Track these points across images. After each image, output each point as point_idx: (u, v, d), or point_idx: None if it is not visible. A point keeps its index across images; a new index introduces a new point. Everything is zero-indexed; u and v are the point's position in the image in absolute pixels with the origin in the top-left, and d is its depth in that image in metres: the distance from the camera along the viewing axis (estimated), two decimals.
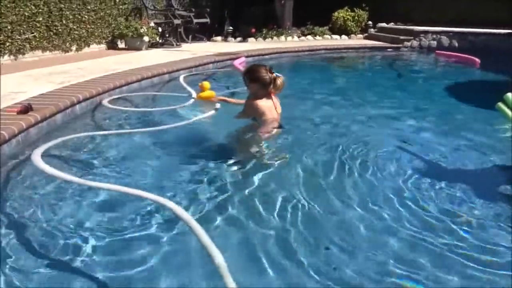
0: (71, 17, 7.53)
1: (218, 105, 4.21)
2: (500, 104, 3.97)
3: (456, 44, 10.50)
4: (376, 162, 3.07)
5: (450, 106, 5.12)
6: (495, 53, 9.34)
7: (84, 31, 7.95)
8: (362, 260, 1.91)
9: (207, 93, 4.48)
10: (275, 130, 3.37)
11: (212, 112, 4.04)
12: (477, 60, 7.97)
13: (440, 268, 1.85)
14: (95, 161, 3.05)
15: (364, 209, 2.38)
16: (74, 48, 7.78)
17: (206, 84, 4.55)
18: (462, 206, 2.43)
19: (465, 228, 2.18)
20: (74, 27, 7.66)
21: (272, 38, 11.83)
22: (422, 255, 1.94)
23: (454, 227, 2.19)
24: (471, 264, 1.87)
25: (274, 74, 3.24)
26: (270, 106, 3.29)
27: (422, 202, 2.46)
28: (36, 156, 2.68)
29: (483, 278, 1.79)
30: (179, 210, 1.98)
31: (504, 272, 1.83)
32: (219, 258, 1.61)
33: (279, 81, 3.24)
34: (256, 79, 3.22)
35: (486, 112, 4.07)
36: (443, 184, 2.70)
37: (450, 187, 2.67)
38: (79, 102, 4.22)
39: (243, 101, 3.53)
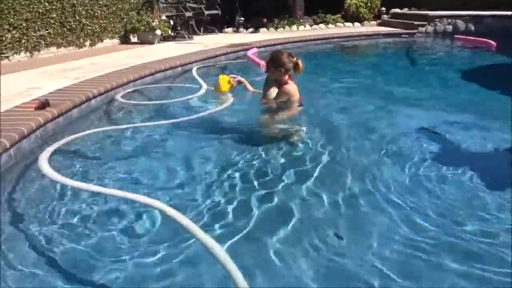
0: (83, 12, 7.61)
1: (230, 95, 4.25)
2: None
3: (473, 28, 10.27)
4: (391, 148, 3.09)
5: (467, 91, 5.04)
6: None
7: (97, 26, 8.03)
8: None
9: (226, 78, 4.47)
10: (299, 108, 3.69)
11: (230, 101, 4.09)
12: (493, 43, 7.81)
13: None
14: (119, 157, 3.12)
15: (382, 196, 2.39)
16: (87, 43, 7.87)
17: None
18: (479, 191, 2.43)
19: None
20: (87, 22, 7.75)
21: (284, 28, 11.76)
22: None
23: (475, 214, 2.19)
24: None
25: (295, 58, 3.49)
26: (296, 88, 3.57)
27: (441, 189, 2.46)
28: (43, 162, 2.58)
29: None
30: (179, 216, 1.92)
31: None
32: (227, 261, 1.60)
33: (300, 65, 3.49)
34: (281, 65, 3.45)
35: (502, 96, 4.00)
36: (460, 170, 2.69)
37: (467, 173, 2.66)
38: (94, 97, 4.29)
39: (254, 90, 4.00)
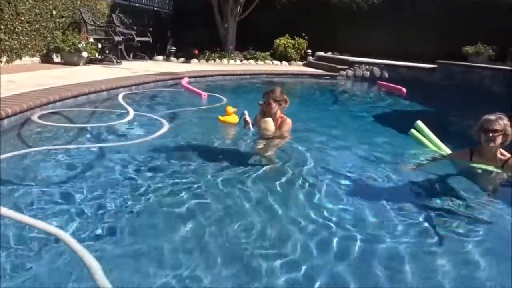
0: (2, 27, 7.13)
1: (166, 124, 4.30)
2: (412, 131, 4.32)
3: (387, 75, 11.26)
4: (302, 182, 3.19)
5: (375, 131, 5.42)
6: (421, 84, 10.15)
7: (16, 42, 7.56)
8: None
9: (231, 117, 4.48)
10: (290, 136, 4.08)
11: (165, 129, 4.15)
12: (404, 90, 8.62)
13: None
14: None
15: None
16: (4, 59, 7.34)
17: (230, 108, 4.55)
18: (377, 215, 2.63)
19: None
20: (6, 37, 7.26)
21: (214, 60, 11.97)
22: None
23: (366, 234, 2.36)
24: None
25: (284, 96, 3.96)
26: None
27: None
28: None
29: None
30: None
31: None
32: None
33: (288, 101, 3.99)
34: (278, 99, 3.90)
35: (405, 136, 4.38)
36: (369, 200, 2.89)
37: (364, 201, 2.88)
38: (7, 116, 3.99)
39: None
